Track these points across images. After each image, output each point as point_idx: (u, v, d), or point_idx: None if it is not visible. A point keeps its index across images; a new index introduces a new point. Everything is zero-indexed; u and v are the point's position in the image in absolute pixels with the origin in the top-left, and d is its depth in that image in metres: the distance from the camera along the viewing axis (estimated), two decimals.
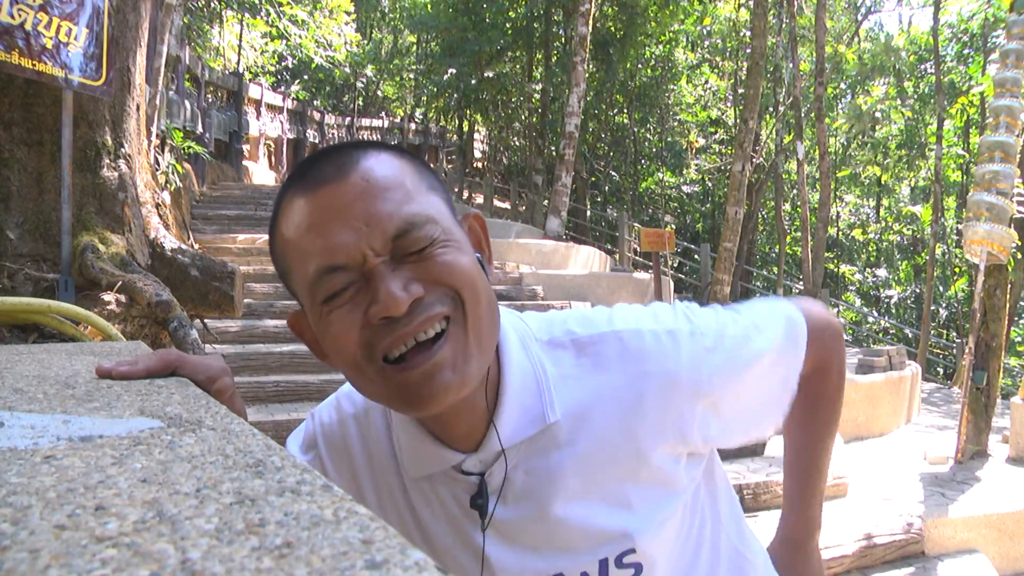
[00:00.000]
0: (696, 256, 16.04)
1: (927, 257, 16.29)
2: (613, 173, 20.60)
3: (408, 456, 0.83)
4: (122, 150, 3.76)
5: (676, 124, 20.69)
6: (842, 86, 21.39)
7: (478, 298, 0.71)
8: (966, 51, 19.27)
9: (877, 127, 21.72)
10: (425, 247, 0.69)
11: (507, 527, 0.80)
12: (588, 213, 17.44)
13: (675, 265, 18.28)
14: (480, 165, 24.23)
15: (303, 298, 0.74)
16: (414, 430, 0.81)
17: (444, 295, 0.70)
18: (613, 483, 0.79)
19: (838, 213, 22.59)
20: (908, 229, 22.57)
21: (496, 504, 0.80)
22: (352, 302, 0.69)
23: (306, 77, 22.80)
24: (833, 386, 1.01)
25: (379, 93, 25.79)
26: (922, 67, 21.06)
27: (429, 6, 18.99)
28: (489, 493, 0.80)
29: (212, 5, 16.20)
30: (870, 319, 19.91)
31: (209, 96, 14.42)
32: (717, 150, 21.59)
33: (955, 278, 18.48)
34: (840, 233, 22.86)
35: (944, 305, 19.68)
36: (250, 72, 18.09)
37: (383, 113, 24.94)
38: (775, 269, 17.77)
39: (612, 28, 16.53)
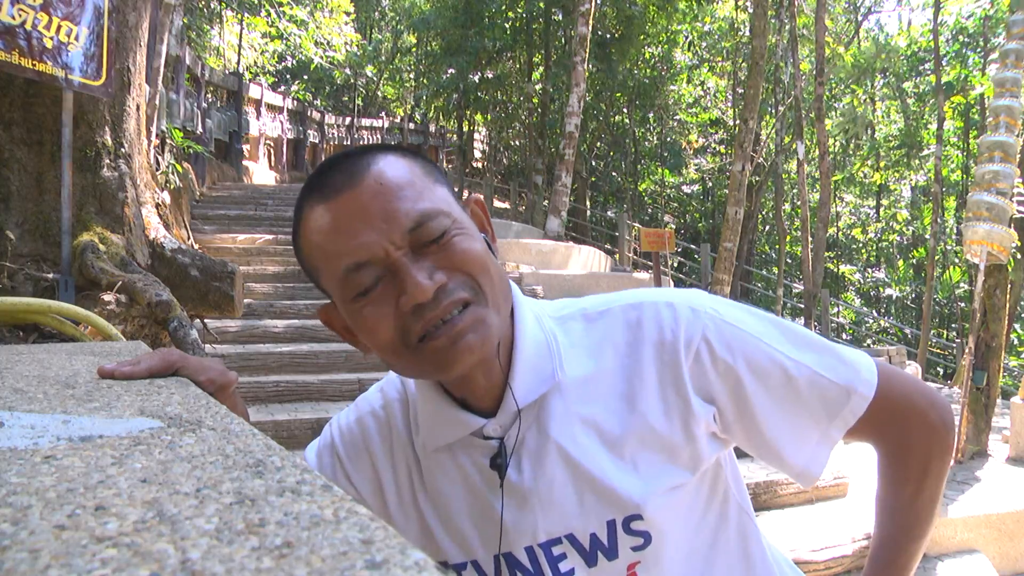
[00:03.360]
0: (696, 256, 16.04)
1: (926, 255, 16.29)
2: (613, 173, 20.61)
3: (430, 427, 0.88)
4: (122, 150, 3.76)
5: (676, 124, 20.69)
6: (840, 87, 21.36)
7: (491, 278, 0.78)
8: (965, 51, 19.27)
9: (874, 128, 21.72)
10: (440, 237, 0.76)
11: (522, 488, 0.84)
12: (588, 213, 17.44)
13: (675, 265, 18.28)
14: (480, 165, 24.22)
15: (334, 295, 0.80)
16: (438, 399, 0.86)
17: (464, 282, 0.76)
18: (619, 444, 0.83)
19: (838, 213, 22.60)
20: (908, 229, 22.57)
21: (511, 464, 0.85)
22: (382, 296, 0.76)
23: (306, 77, 22.80)
24: (912, 478, 0.91)
25: (379, 93, 25.79)
26: (920, 67, 21.06)
27: (428, 5, 18.98)
28: (508, 455, 0.85)
29: (212, 5, 16.20)
30: (869, 319, 19.92)
31: (209, 96, 14.40)
32: (717, 150, 21.59)
33: (950, 271, 18.49)
34: (840, 233, 22.87)
35: (942, 304, 19.68)
36: (250, 72, 18.09)
37: (383, 113, 24.93)
38: (775, 269, 17.77)
39: (611, 28, 16.52)
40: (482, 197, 0.89)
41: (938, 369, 16.25)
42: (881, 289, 21.64)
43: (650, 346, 0.83)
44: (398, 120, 24.75)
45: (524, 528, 0.84)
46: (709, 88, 20.85)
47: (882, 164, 21.91)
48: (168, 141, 7.23)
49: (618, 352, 0.84)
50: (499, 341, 0.80)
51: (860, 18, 22.01)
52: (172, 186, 6.33)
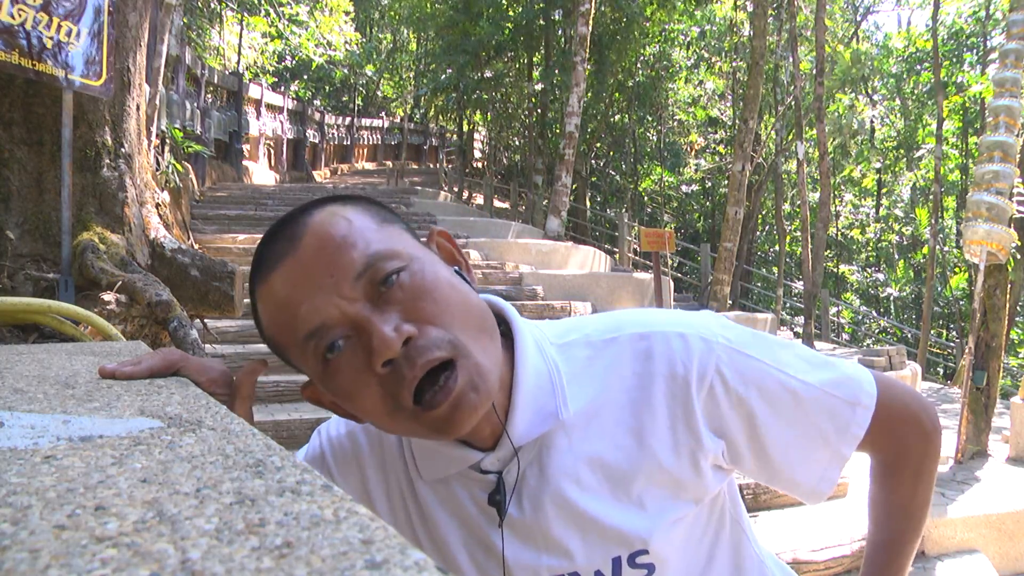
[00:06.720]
0: (696, 256, 16.05)
1: (925, 256, 16.30)
2: (613, 173, 20.61)
3: (425, 459, 0.84)
4: (122, 150, 3.76)
5: (675, 124, 20.69)
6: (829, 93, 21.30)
7: (465, 321, 0.71)
8: (961, 51, 19.27)
9: (874, 129, 21.70)
10: (395, 276, 0.69)
11: (523, 525, 0.81)
12: (588, 213, 17.44)
13: (675, 265, 18.28)
14: (480, 165, 24.23)
15: (306, 370, 0.74)
16: None
17: (438, 338, 0.69)
18: (626, 482, 0.80)
19: (838, 213, 22.60)
20: (907, 229, 22.57)
21: (511, 501, 0.81)
22: (351, 359, 0.69)
23: (306, 77, 22.81)
24: (907, 482, 0.92)
25: (379, 93, 25.80)
26: (916, 68, 21.05)
27: (428, 4, 18.98)
28: (507, 491, 0.81)
29: (212, 5, 16.21)
30: (869, 319, 19.92)
31: (209, 96, 14.40)
32: (717, 150, 21.59)
33: (952, 275, 18.50)
34: (840, 233, 22.86)
35: (943, 304, 19.68)
36: (250, 72, 18.09)
37: (383, 113, 24.94)
38: (775, 269, 17.77)
39: (609, 27, 16.51)
40: (447, 231, 0.82)
41: (938, 369, 16.25)
42: (880, 289, 21.64)
43: (661, 380, 0.79)
44: (398, 120, 24.77)
45: (526, 564, 0.82)
46: (707, 87, 20.83)
47: (870, 165, 21.90)
48: (168, 141, 7.23)
49: (625, 384, 0.80)
50: (499, 380, 0.75)
51: (859, 18, 22.00)
52: (172, 186, 6.34)
